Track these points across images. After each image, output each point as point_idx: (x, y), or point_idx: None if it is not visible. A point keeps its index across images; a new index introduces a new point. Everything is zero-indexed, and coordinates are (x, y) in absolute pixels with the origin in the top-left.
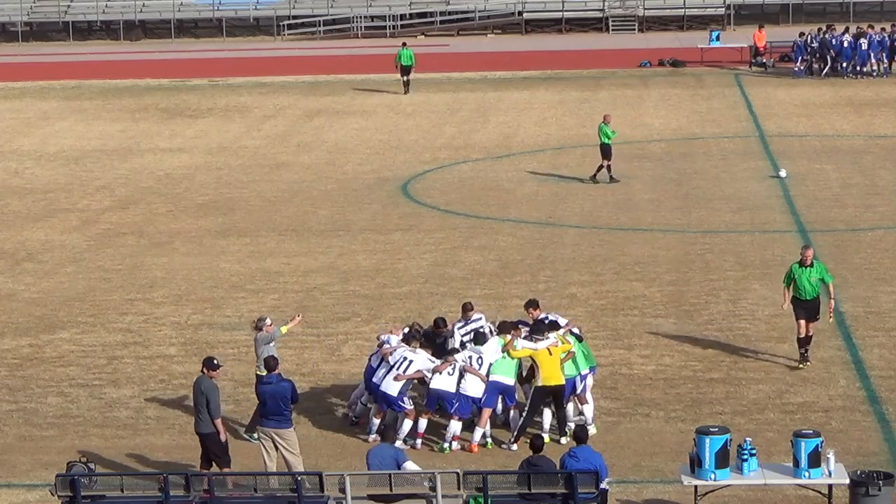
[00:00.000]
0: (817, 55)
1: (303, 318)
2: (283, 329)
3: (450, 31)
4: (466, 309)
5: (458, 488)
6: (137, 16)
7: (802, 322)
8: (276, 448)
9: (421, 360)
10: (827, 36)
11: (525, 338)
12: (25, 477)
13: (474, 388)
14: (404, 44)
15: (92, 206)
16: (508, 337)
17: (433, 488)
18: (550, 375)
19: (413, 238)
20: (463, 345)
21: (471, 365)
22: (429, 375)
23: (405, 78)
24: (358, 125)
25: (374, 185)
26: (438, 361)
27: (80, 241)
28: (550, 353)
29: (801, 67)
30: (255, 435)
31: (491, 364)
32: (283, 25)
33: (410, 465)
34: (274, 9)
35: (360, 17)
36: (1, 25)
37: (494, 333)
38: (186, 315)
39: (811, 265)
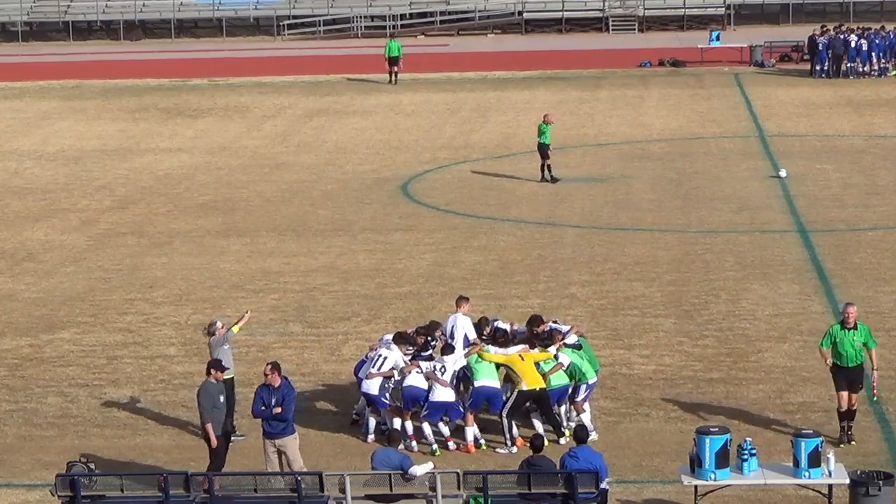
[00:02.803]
0: (829, 55)
1: (251, 315)
2: (235, 329)
3: (450, 31)
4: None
5: (458, 488)
6: (137, 16)
7: (844, 394)
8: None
9: (394, 357)
10: (841, 36)
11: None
12: (25, 477)
13: (442, 394)
14: (392, 36)
15: (92, 206)
16: (479, 347)
17: (433, 488)
18: (531, 380)
19: (413, 238)
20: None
21: (434, 372)
22: (397, 374)
23: (394, 69)
24: (358, 125)
25: (374, 185)
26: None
27: (80, 241)
28: (522, 359)
29: (825, 68)
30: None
31: (456, 371)
32: (283, 25)
33: (417, 469)
34: (274, 9)
35: (360, 17)
36: (1, 25)
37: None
38: (186, 315)
39: (854, 327)
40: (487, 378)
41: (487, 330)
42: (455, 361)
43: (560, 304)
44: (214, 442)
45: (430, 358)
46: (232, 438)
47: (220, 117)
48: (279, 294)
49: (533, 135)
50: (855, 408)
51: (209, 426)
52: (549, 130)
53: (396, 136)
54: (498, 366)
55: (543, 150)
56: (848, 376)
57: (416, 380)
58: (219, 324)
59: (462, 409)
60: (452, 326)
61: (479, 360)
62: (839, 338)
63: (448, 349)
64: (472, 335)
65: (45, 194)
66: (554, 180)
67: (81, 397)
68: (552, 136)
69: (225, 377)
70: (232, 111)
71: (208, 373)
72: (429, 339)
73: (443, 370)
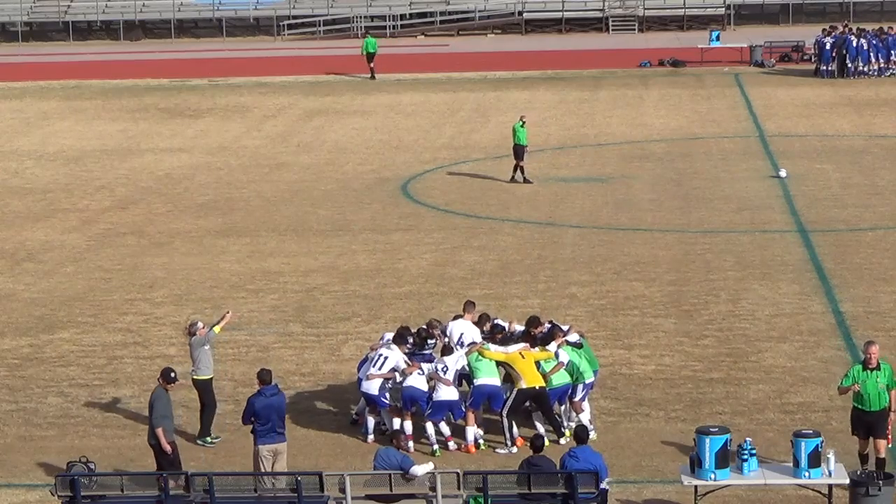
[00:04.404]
0: (833, 55)
1: (232, 315)
2: (217, 329)
3: (450, 31)
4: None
5: (458, 488)
6: (137, 16)
7: (866, 442)
8: (272, 464)
9: (394, 357)
10: (845, 37)
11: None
12: (25, 477)
13: (446, 393)
14: (367, 33)
15: (92, 206)
16: (479, 345)
17: (433, 488)
18: (531, 379)
19: (413, 238)
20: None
21: (436, 373)
22: (398, 376)
23: (371, 65)
24: (358, 125)
25: (374, 185)
26: (409, 363)
27: (80, 241)
28: (523, 357)
29: (831, 68)
30: (209, 438)
31: (463, 368)
32: (283, 25)
33: (417, 469)
34: (274, 9)
35: (360, 17)
36: (1, 25)
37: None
38: (186, 315)
39: (877, 367)
40: (488, 376)
41: (488, 326)
42: (457, 360)
43: (560, 304)
44: (168, 448)
45: (431, 359)
46: (210, 441)
47: (220, 117)
48: (279, 294)
49: (531, 135)
50: (884, 457)
51: (160, 431)
52: (524, 132)
53: (396, 136)
54: (498, 364)
55: (519, 150)
56: (868, 422)
57: (416, 381)
58: (200, 324)
59: (463, 409)
60: (461, 333)
61: (480, 358)
62: (861, 379)
63: (448, 350)
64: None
65: (45, 194)
66: (515, 180)
67: (81, 397)
68: (526, 136)
69: (204, 377)
70: (232, 111)
71: (165, 381)
72: (427, 338)
73: (444, 370)
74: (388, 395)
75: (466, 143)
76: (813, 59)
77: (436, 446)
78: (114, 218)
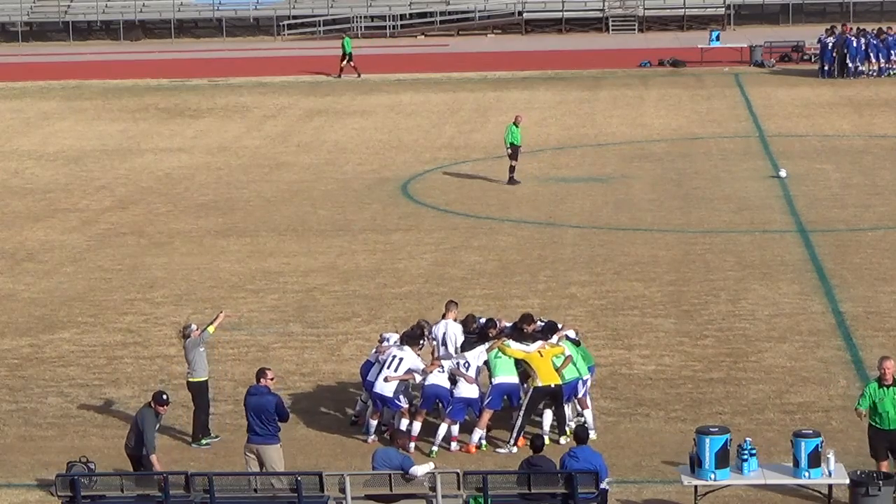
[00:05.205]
0: (834, 55)
1: (226, 314)
2: (211, 329)
3: (450, 31)
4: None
5: (458, 488)
6: (137, 16)
7: (885, 462)
8: (261, 465)
9: (410, 358)
10: (845, 37)
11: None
12: (25, 477)
13: (467, 390)
14: (345, 33)
15: (92, 206)
16: (500, 341)
17: (433, 488)
18: (547, 376)
19: (413, 238)
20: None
21: (458, 369)
22: (418, 376)
23: (351, 63)
24: (358, 125)
25: (374, 185)
26: (426, 362)
27: (80, 241)
28: (542, 355)
29: (833, 68)
30: (205, 441)
31: (480, 366)
32: (283, 25)
33: (417, 469)
34: (274, 9)
35: (360, 17)
36: (1, 25)
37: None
38: (186, 315)
39: (893, 383)
40: (506, 374)
41: (474, 327)
42: (478, 356)
43: (560, 304)
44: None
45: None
46: (207, 441)
47: (220, 117)
48: (279, 294)
49: (531, 135)
50: (894, 475)
51: (155, 458)
52: (518, 132)
53: (396, 136)
54: (517, 362)
55: (514, 150)
56: (889, 440)
57: (438, 378)
58: (193, 326)
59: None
60: (444, 334)
61: (499, 355)
62: (878, 397)
63: (469, 345)
64: (462, 340)
65: (45, 194)
66: (513, 182)
67: (81, 397)
68: (521, 137)
69: (200, 379)
70: (232, 111)
71: (157, 404)
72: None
73: (466, 366)
74: (402, 397)
75: (466, 143)
76: (814, 59)
77: (435, 447)
78: (114, 218)
